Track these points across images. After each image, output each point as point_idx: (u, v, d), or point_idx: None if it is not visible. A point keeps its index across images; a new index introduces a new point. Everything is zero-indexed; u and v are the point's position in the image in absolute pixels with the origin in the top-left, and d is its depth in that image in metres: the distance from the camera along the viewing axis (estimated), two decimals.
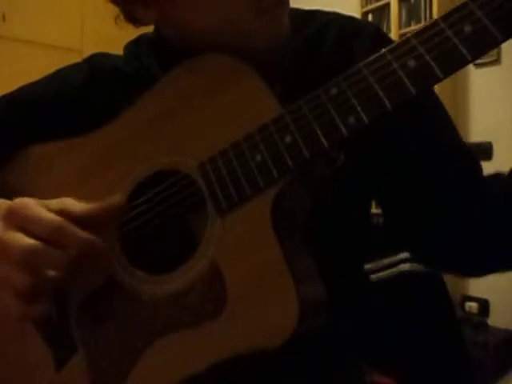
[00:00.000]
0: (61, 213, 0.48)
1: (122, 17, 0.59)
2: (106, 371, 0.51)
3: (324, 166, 0.49)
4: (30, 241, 0.46)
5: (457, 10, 0.41)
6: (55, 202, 0.50)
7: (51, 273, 0.46)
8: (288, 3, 0.56)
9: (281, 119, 0.47)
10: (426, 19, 2.84)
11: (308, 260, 0.48)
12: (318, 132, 0.45)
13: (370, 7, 3.19)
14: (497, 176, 0.59)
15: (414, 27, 2.87)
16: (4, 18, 2.88)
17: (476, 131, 2.64)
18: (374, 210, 0.67)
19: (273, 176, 0.47)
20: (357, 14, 3.12)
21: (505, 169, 0.58)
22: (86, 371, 0.52)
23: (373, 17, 3.16)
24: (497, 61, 2.60)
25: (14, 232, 0.47)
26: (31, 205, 0.48)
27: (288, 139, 0.46)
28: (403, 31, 2.89)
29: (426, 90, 0.42)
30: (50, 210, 0.48)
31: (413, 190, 0.61)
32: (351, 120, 0.44)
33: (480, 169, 0.61)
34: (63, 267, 0.47)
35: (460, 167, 0.60)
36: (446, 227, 0.59)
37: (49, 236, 0.46)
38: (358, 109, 0.44)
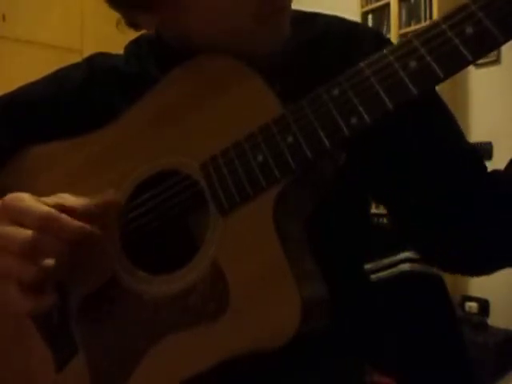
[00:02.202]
0: (55, 205, 0.48)
1: (123, 22, 0.59)
2: (106, 372, 0.51)
3: (326, 165, 0.49)
4: (24, 231, 0.46)
5: (458, 11, 0.41)
6: (52, 196, 0.50)
7: (51, 261, 0.46)
8: (289, 9, 0.55)
9: (282, 119, 0.47)
10: (426, 19, 2.84)
11: (310, 260, 0.48)
12: (320, 132, 0.45)
13: (369, 7, 3.19)
14: (495, 172, 0.60)
15: (414, 27, 2.87)
16: (4, 18, 2.88)
17: (476, 131, 2.64)
18: (374, 209, 0.67)
19: (274, 176, 0.47)
20: (357, 14, 3.12)
21: None
22: (86, 372, 0.52)
23: (373, 17, 3.16)
24: (497, 61, 2.60)
25: (9, 225, 0.47)
26: (22, 197, 0.48)
27: (290, 139, 0.46)
28: (403, 31, 2.89)
29: (428, 91, 0.42)
30: (45, 203, 0.48)
31: (418, 187, 0.61)
32: (353, 120, 0.44)
33: (484, 166, 0.62)
34: (62, 254, 0.46)
35: (466, 162, 0.61)
36: (456, 222, 0.60)
37: (40, 224, 0.46)
38: (360, 109, 0.44)
